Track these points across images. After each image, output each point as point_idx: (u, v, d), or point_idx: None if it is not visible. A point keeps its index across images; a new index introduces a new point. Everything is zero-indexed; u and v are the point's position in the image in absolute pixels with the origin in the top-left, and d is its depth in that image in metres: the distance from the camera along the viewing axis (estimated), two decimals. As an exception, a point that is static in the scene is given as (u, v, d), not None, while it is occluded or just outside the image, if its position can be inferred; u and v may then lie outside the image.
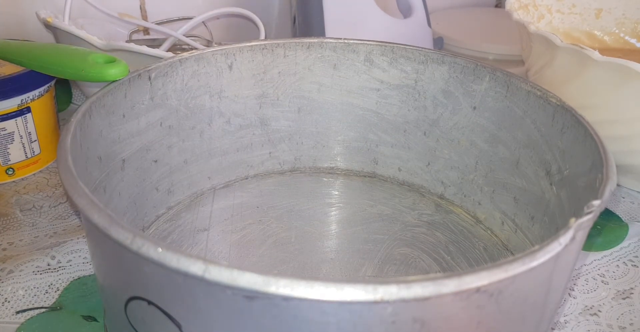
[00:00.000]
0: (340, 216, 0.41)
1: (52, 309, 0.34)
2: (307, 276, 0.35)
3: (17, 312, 0.33)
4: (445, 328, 0.21)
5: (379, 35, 0.45)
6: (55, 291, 0.35)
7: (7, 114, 0.42)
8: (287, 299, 0.19)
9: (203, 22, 0.57)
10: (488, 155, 0.39)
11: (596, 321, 0.35)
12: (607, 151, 0.28)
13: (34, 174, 0.46)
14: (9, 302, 0.34)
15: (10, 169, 0.44)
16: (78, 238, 0.39)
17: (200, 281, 0.20)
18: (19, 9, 0.57)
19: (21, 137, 0.44)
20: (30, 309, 0.33)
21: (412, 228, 0.40)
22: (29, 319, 0.33)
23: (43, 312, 0.33)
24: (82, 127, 0.30)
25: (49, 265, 0.37)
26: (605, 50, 0.57)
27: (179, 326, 0.22)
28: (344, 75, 0.42)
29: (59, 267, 0.37)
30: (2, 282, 0.35)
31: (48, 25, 0.47)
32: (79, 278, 0.36)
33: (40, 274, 0.36)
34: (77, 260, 0.37)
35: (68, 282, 0.36)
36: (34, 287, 0.35)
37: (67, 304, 0.34)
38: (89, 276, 0.36)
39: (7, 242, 0.38)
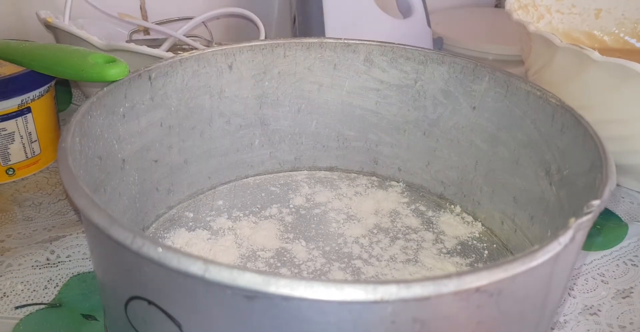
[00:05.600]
0: (340, 215, 0.41)
1: (52, 305, 0.34)
2: (307, 276, 0.35)
3: (16, 308, 0.33)
4: (445, 328, 0.21)
5: (378, 35, 0.45)
6: (55, 287, 0.35)
7: (7, 114, 0.42)
8: (287, 299, 0.19)
9: (203, 22, 0.57)
10: (488, 155, 0.39)
11: (596, 321, 0.35)
12: (606, 151, 0.28)
13: (34, 174, 0.46)
14: (7, 296, 0.34)
15: (11, 169, 0.44)
16: (77, 233, 0.39)
17: (201, 280, 0.20)
18: (19, 9, 0.57)
19: (21, 137, 0.44)
20: (29, 305, 0.33)
21: (412, 228, 0.40)
22: (28, 315, 0.33)
23: (42, 308, 0.33)
24: (83, 127, 0.30)
25: (48, 260, 0.37)
26: (605, 51, 0.57)
27: (179, 325, 0.22)
28: (343, 75, 0.42)
29: (59, 262, 0.37)
30: (1, 276, 0.35)
31: (48, 26, 0.47)
32: (78, 274, 0.36)
33: (40, 268, 0.36)
34: (76, 255, 0.37)
35: (67, 278, 0.36)
36: (33, 282, 0.35)
37: (67, 302, 0.34)
38: (89, 272, 0.36)
39: (6, 235, 0.39)
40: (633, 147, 0.42)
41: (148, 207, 0.38)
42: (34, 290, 0.34)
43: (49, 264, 0.36)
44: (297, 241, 0.38)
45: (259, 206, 0.41)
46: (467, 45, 0.63)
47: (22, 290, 0.34)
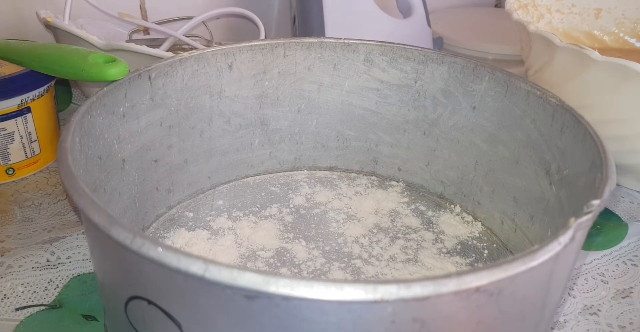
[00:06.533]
0: (340, 215, 0.41)
1: (52, 306, 0.34)
2: (307, 275, 0.35)
3: (17, 309, 0.33)
4: (445, 328, 0.21)
5: (378, 35, 0.45)
6: (55, 288, 0.35)
7: (7, 114, 0.42)
8: (287, 298, 0.19)
9: (203, 22, 0.57)
10: (487, 155, 0.39)
11: (596, 320, 0.35)
12: (606, 151, 0.28)
13: (34, 174, 0.46)
14: (8, 298, 0.34)
15: (11, 169, 0.44)
16: (77, 234, 0.39)
17: (201, 280, 0.20)
18: (19, 9, 0.57)
19: (21, 137, 0.44)
20: (30, 306, 0.34)
21: (412, 228, 0.40)
22: (28, 317, 0.33)
23: (42, 309, 0.33)
24: (82, 127, 0.30)
25: (48, 261, 0.37)
26: (605, 50, 0.57)
27: (179, 325, 0.22)
28: (343, 75, 0.42)
29: (59, 263, 0.37)
30: (1, 278, 0.35)
31: (48, 25, 0.47)
32: (78, 275, 0.36)
33: (40, 270, 0.36)
34: (76, 256, 0.37)
35: (68, 279, 0.36)
36: (34, 284, 0.35)
37: (67, 302, 0.34)
38: (89, 273, 0.36)
39: (6, 235, 0.39)
40: (633, 147, 0.42)
41: (148, 207, 0.38)
42: (35, 291, 0.35)
43: (49, 265, 0.36)
44: (297, 241, 0.38)
45: (258, 206, 0.41)
46: (467, 45, 0.63)
47: (23, 291, 0.34)
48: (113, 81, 0.33)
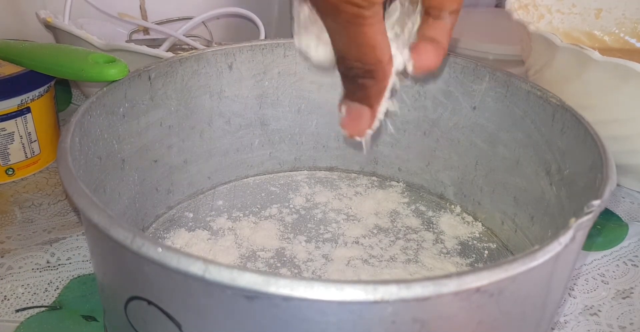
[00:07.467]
0: (340, 215, 0.41)
1: (52, 308, 0.34)
2: (307, 276, 0.35)
3: (17, 311, 0.33)
4: (445, 328, 0.21)
5: (378, 35, 0.45)
6: (55, 290, 0.35)
7: (7, 114, 0.42)
8: (287, 299, 0.19)
9: (203, 22, 0.57)
10: (488, 155, 0.39)
11: (596, 321, 0.35)
12: (607, 151, 0.28)
13: (33, 174, 0.46)
14: (8, 300, 0.34)
15: (10, 169, 0.44)
16: (77, 235, 0.39)
17: (200, 280, 0.20)
18: (19, 9, 0.57)
19: (21, 137, 0.44)
20: (30, 308, 0.34)
21: (412, 228, 0.40)
22: (28, 318, 0.33)
23: (43, 311, 0.33)
24: (82, 127, 0.30)
25: (48, 262, 0.37)
26: (605, 50, 0.57)
27: (179, 325, 0.22)
28: (343, 75, 0.42)
29: (59, 264, 0.37)
30: (2, 279, 0.35)
31: (48, 25, 0.47)
32: (78, 277, 0.36)
33: (40, 271, 0.36)
34: (76, 258, 0.37)
35: (68, 281, 0.36)
36: (34, 285, 0.35)
37: (67, 304, 0.34)
38: (89, 274, 0.36)
39: (5, 236, 0.39)
40: (633, 147, 0.42)
41: (148, 207, 0.38)
42: (35, 293, 0.35)
43: (49, 266, 0.36)
44: (297, 241, 0.38)
45: (259, 206, 0.41)
46: (467, 45, 0.63)
47: (23, 293, 0.34)
48: (113, 81, 0.33)
